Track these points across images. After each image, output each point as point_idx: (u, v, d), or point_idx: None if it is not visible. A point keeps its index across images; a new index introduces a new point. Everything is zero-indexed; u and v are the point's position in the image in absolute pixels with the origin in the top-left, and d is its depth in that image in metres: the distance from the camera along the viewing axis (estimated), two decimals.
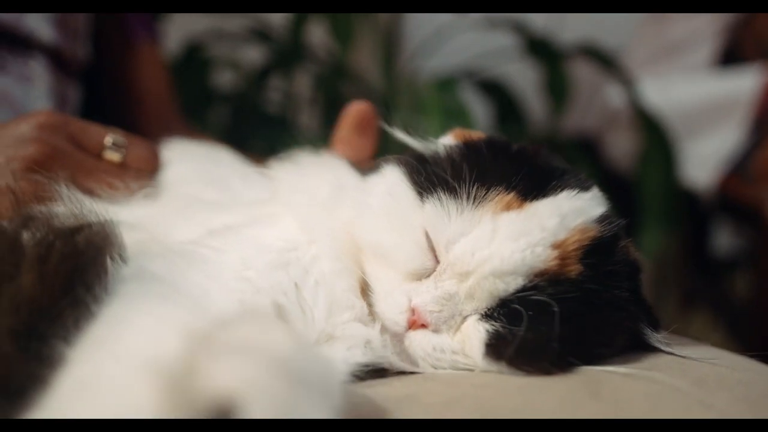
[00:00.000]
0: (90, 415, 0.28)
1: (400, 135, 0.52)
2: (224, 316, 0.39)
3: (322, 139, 1.45)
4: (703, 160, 1.25)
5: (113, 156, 0.58)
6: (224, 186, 0.60)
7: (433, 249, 0.45)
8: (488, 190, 0.44)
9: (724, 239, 1.34)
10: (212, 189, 0.59)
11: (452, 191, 0.45)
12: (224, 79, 1.59)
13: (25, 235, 0.39)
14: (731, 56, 1.40)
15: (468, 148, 0.48)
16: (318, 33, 1.45)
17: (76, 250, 0.38)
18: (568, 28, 1.50)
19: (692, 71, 1.39)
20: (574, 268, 0.42)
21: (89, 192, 0.53)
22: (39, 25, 0.78)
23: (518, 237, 0.42)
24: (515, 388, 0.38)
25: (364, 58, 1.57)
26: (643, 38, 1.48)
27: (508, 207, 0.43)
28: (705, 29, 1.38)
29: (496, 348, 0.41)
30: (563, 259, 0.42)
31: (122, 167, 0.58)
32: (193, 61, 1.42)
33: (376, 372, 0.43)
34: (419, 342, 0.44)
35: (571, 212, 0.44)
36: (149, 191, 0.56)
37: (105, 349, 0.32)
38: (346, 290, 0.47)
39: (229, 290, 0.44)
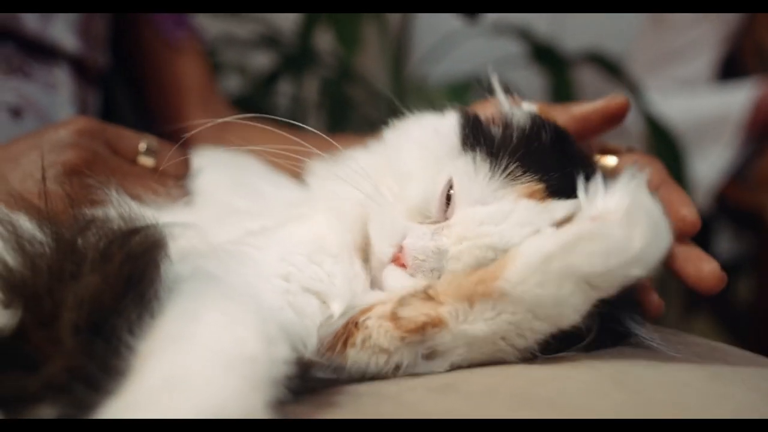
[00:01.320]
0: (181, 410, 0.30)
1: (496, 88, 0.54)
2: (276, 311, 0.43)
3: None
4: (697, 180, 1.27)
5: (147, 161, 0.60)
6: (256, 193, 0.62)
7: (447, 199, 0.47)
8: (525, 173, 0.46)
9: (724, 244, 1.36)
10: (245, 197, 0.61)
11: (492, 157, 0.46)
12: (232, 84, 1.61)
13: (87, 237, 0.41)
14: (731, 65, 1.42)
15: (535, 126, 0.49)
16: (327, 38, 1.47)
17: (135, 251, 0.40)
18: (572, 35, 1.53)
19: (692, 80, 1.42)
20: None
21: (131, 196, 0.55)
22: (63, 34, 0.81)
23: (525, 225, 0.44)
24: (545, 378, 0.40)
25: (373, 64, 1.59)
26: (644, 46, 1.50)
27: (532, 195, 0.45)
28: (706, 38, 1.40)
29: None
30: None
31: (155, 172, 0.60)
32: None
33: None
34: (393, 278, 0.46)
35: None
36: (188, 197, 0.59)
37: (184, 346, 0.34)
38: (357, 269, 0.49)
39: (275, 286, 0.46)
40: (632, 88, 1.26)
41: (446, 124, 0.51)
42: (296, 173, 0.61)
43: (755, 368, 0.46)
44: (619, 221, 0.38)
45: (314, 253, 0.49)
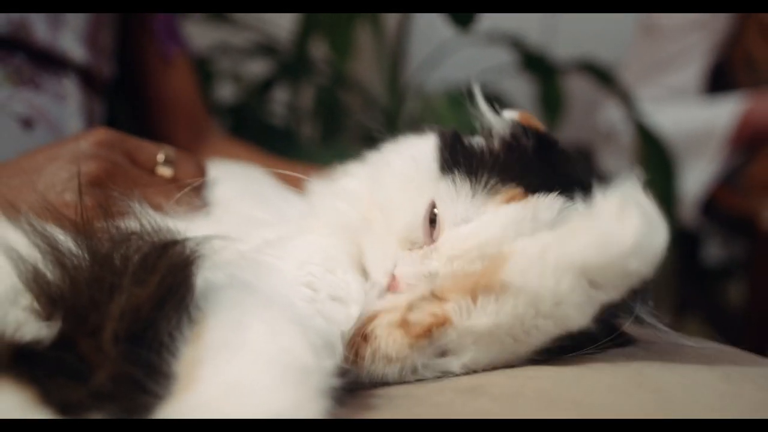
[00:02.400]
0: (242, 415, 0.31)
1: (478, 98, 0.54)
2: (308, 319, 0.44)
3: (322, 149, 1.50)
4: (683, 191, 1.30)
5: (165, 171, 0.61)
6: (270, 204, 0.64)
7: (432, 222, 0.49)
8: (505, 183, 0.47)
9: (713, 249, 1.39)
10: (260, 207, 0.62)
11: (472, 175, 0.48)
12: (227, 92, 1.62)
13: (123, 250, 0.42)
14: (722, 73, 1.46)
15: (515, 134, 0.51)
16: (323, 46, 1.49)
17: (175, 263, 0.41)
18: (563, 44, 1.56)
19: (683, 88, 1.45)
20: None
21: (152, 207, 0.56)
22: (72, 44, 0.82)
23: (508, 226, 0.45)
24: (568, 379, 0.42)
25: (369, 72, 1.61)
26: (636, 55, 1.53)
27: (511, 199, 0.46)
28: (696, 47, 1.43)
29: None
30: None
31: (174, 182, 0.61)
32: (198, 74, 1.45)
33: None
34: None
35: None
36: (206, 208, 0.60)
37: (237, 355, 0.35)
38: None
39: (302, 294, 0.47)
40: (623, 96, 1.29)
41: (424, 149, 0.52)
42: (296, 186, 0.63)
43: (761, 368, 0.48)
44: (612, 214, 0.40)
45: (327, 261, 0.50)
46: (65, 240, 0.44)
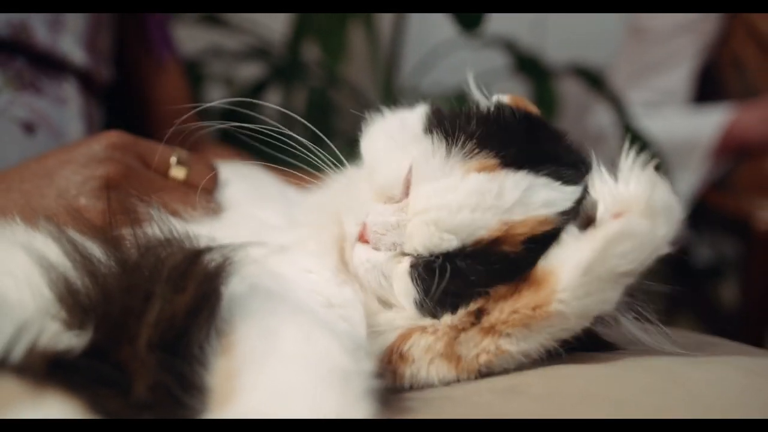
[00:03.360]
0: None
1: (472, 88, 0.56)
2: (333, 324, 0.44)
3: (313, 152, 1.49)
4: None
5: (178, 174, 0.61)
6: (278, 206, 0.63)
7: (408, 182, 0.49)
8: (481, 150, 0.47)
9: (704, 250, 1.41)
10: (270, 209, 0.62)
11: (449, 137, 0.48)
12: (218, 95, 1.61)
13: (153, 257, 0.41)
14: (710, 75, 1.48)
15: (498, 109, 0.51)
16: (316, 50, 1.48)
17: (209, 271, 0.40)
18: (553, 47, 1.57)
19: (672, 90, 1.46)
20: (512, 249, 0.45)
21: (168, 210, 0.56)
22: (72, 47, 0.80)
23: (472, 195, 0.45)
24: (602, 378, 0.42)
25: (364, 75, 1.60)
26: (626, 59, 1.55)
27: (483, 169, 0.46)
28: (685, 49, 1.46)
29: (417, 292, 0.47)
30: (506, 237, 0.45)
31: (186, 185, 0.61)
32: (189, 77, 1.44)
33: None
34: (359, 253, 0.50)
35: (538, 199, 0.45)
36: (219, 211, 0.59)
37: (278, 362, 0.35)
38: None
39: (317, 300, 0.47)
40: (613, 100, 1.30)
41: (413, 116, 0.54)
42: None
43: None
44: (642, 213, 0.41)
45: (321, 271, 0.51)
46: (92, 247, 0.43)
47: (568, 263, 0.42)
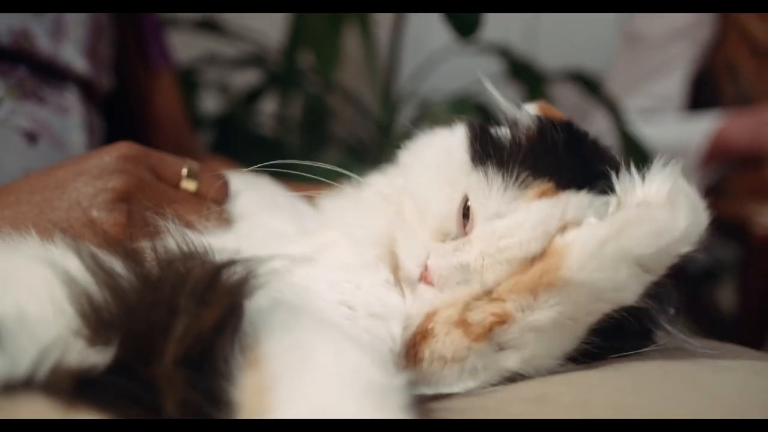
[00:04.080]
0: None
1: (495, 96, 0.55)
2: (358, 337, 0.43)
3: (309, 160, 1.49)
4: None
5: (190, 185, 0.60)
6: (290, 216, 0.63)
7: (465, 216, 0.49)
8: (536, 178, 0.47)
9: (701, 254, 1.41)
10: (282, 219, 0.61)
11: (504, 168, 0.48)
12: (213, 102, 1.60)
13: (178, 270, 0.40)
14: (704, 80, 1.49)
15: (542, 128, 0.50)
16: (312, 57, 1.48)
17: (232, 284, 0.40)
18: (548, 55, 1.58)
19: (668, 96, 1.48)
20: None
21: (182, 222, 0.55)
22: (73, 56, 0.80)
23: (539, 225, 0.45)
24: (630, 387, 0.42)
25: (361, 82, 1.60)
26: (621, 66, 1.56)
27: (543, 194, 0.46)
28: (679, 55, 1.47)
29: None
30: None
31: (198, 196, 0.60)
32: (184, 85, 1.43)
33: None
34: (423, 295, 0.48)
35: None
36: (231, 222, 0.58)
37: (309, 378, 0.34)
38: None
39: (341, 312, 0.47)
40: (610, 105, 1.31)
41: (455, 141, 0.52)
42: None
43: None
44: (663, 205, 0.42)
45: (353, 277, 0.50)
46: (111, 260, 0.42)
47: (584, 236, 0.42)
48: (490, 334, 0.43)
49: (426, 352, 0.44)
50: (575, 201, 0.46)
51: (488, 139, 0.51)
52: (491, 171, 0.48)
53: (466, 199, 0.49)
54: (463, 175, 0.49)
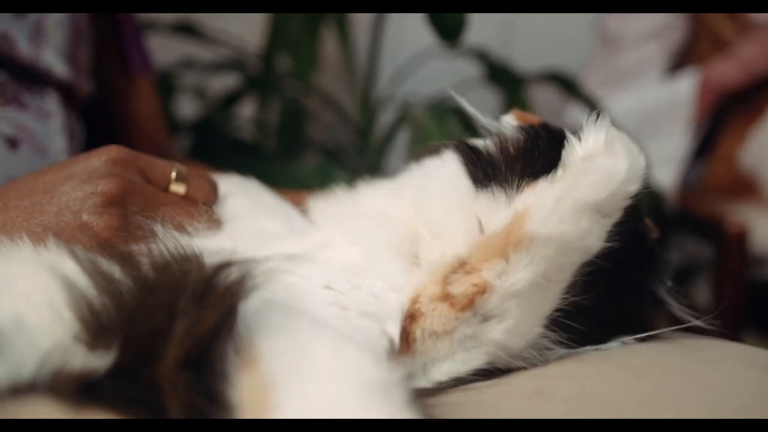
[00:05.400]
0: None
1: (472, 111, 0.58)
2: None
3: (285, 164, 1.49)
4: (661, 163, 1.35)
5: (179, 189, 0.60)
6: (280, 217, 0.63)
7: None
8: (531, 179, 0.50)
9: (676, 251, 1.44)
10: (273, 220, 0.61)
11: (502, 182, 0.51)
12: (190, 106, 1.59)
13: (174, 272, 0.40)
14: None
15: (526, 137, 0.53)
16: (290, 61, 1.48)
17: (229, 286, 0.40)
18: (524, 57, 1.60)
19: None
20: None
21: (172, 225, 0.55)
22: (54, 61, 0.79)
23: None
24: (626, 381, 0.44)
25: (339, 86, 1.61)
26: (596, 68, 1.59)
27: None
28: (653, 56, 1.50)
29: None
30: None
31: (186, 199, 0.60)
32: (161, 89, 1.42)
33: None
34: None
35: None
36: (221, 224, 0.58)
37: (310, 377, 0.35)
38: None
39: (334, 313, 0.47)
40: (590, 103, 1.33)
41: (451, 169, 0.54)
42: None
43: None
44: (603, 153, 0.47)
45: (353, 277, 0.50)
46: (107, 264, 0.42)
47: (540, 195, 0.46)
48: (473, 304, 0.45)
49: (417, 332, 0.46)
50: None
51: (481, 158, 0.53)
52: (495, 189, 0.51)
53: (479, 220, 0.51)
54: (470, 201, 0.52)
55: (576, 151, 0.48)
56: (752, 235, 1.19)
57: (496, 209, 0.50)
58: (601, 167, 0.46)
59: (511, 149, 0.53)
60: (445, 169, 0.55)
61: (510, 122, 0.56)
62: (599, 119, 0.49)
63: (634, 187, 0.47)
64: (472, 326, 0.46)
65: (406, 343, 0.47)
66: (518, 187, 0.50)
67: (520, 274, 0.45)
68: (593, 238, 0.46)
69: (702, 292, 1.40)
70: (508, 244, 0.45)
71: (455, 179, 0.53)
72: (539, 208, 0.45)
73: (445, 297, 0.46)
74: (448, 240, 0.51)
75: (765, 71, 1.36)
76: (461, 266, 0.46)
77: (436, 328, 0.46)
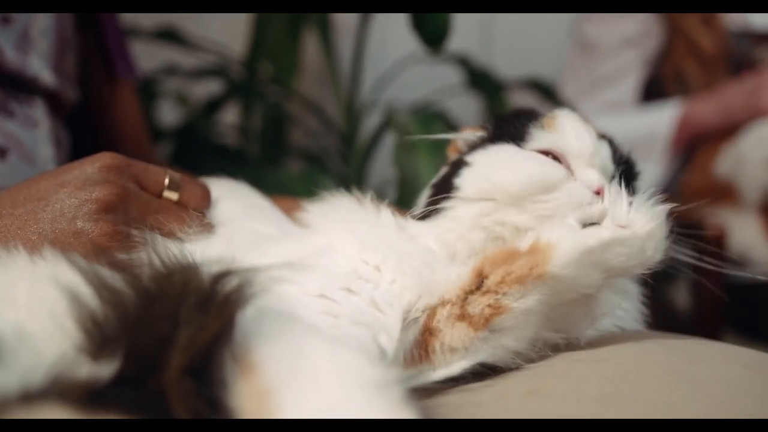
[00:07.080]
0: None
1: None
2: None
3: (266, 168, 1.49)
4: None
5: (172, 195, 0.60)
6: (272, 219, 0.63)
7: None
8: None
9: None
10: (265, 223, 0.62)
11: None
12: (172, 113, 1.58)
13: (180, 281, 0.41)
14: (653, 87, 1.56)
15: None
16: (273, 67, 1.48)
17: (229, 294, 0.40)
18: (503, 63, 1.62)
19: (619, 103, 1.54)
20: None
21: (166, 232, 0.55)
22: (41, 69, 0.78)
23: None
24: (616, 377, 0.45)
25: (317, 90, 1.61)
26: (574, 73, 1.61)
27: None
28: (630, 63, 1.53)
29: None
30: None
31: (180, 205, 0.60)
32: (143, 95, 1.42)
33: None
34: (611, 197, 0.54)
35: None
36: (213, 228, 0.59)
37: (310, 380, 0.35)
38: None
39: (325, 322, 0.48)
40: (568, 108, 1.35)
41: (506, 147, 0.59)
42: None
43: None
44: (645, 236, 0.51)
45: (353, 282, 0.51)
46: (107, 273, 0.42)
47: (570, 241, 0.49)
48: (489, 323, 0.49)
49: (436, 346, 0.50)
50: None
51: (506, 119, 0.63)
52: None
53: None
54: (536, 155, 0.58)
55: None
56: (729, 238, 1.22)
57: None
58: (635, 247, 0.50)
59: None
60: (504, 149, 0.59)
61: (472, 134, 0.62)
62: (655, 199, 0.53)
63: (649, 267, 0.52)
64: (487, 341, 0.49)
65: (425, 353, 0.50)
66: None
67: (533, 301, 0.49)
68: (594, 287, 0.50)
69: (682, 293, 1.42)
70: (530, 275, 0.48)
71: (512, 150, 0.59)
72: (568, 253, 0.48)
73: (463, 316, 0.49)
74: (541, 184, 0.55)
75: (744, 120, 1.39)
76: (477, 288, 0.50)
77: (456, 345, 0.49)
